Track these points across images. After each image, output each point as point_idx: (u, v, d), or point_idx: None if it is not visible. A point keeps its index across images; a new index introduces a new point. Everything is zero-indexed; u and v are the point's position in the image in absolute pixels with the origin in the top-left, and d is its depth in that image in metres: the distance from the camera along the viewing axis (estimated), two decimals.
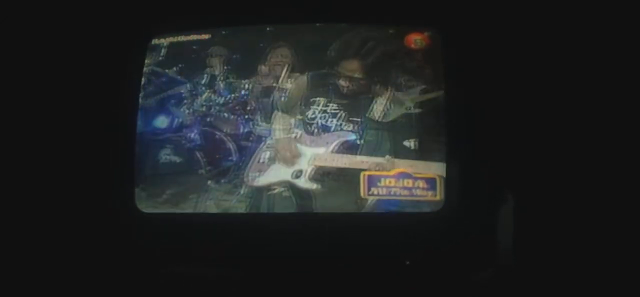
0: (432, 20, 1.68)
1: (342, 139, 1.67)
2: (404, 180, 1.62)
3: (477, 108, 1.63)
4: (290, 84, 1.72)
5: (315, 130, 1.69)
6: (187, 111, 1.75)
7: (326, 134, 1.68)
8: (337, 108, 1.69)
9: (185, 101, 1.76)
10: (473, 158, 1.61)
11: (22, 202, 1.68)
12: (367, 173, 1.63)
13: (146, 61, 1.74)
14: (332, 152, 1.67)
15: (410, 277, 1.58)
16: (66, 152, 1.71)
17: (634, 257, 1.54)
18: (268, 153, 1.70)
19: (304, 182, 1.66)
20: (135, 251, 1.63)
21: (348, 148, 1.67)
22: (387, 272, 1.58)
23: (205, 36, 1.76)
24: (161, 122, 1.75)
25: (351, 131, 1.67)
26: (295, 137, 1.69)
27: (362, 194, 1.63)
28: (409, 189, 1.62)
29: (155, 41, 1.75)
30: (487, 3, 1.68)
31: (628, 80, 1.63)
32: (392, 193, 1.62)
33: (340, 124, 1.68)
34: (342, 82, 1.70)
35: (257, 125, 1.71)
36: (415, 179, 1.63)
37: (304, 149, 1.69)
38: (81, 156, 1.70)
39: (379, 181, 1.63)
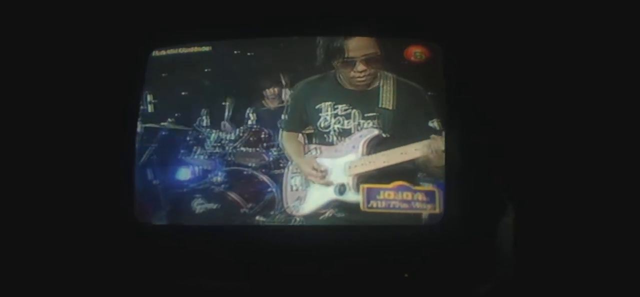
0: (433, 33, 1.68)
1: (368, 138, 1.64)
2: (403, 193, 1.63)
3: (476, 120, 1.63)
4: (287, 98, 1.70)
5: (335, 138, 1.67)
6: (202, 157, 1.72)
7: (348, 139, 1.65)
8: (347, 107, 1.66)
9: (195, 148, 1.73)
10: (472, 170, 1.60)
11: (24, 213, 1.69)
12: (366, 186, 1.64)
13: (139, 123, 1.70)
14: (363, 155, 1.64)
15: (410, 290, 1.59)
16: (67, 164, 1.72)
17: (636, 270, 1.53)
18: (298, 178, 1.68)
19: (351, 196, 1.64)
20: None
21: (378, 145, 1.63)
22: (386, 285, 1.58)
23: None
24: (183, 174, 1.72)
25: (373, 127, 1.64)
26: (315, 153, 1.67)
27: (361, 207, 1.63)
28: (408, 202, 1.63)
29: (155, 53, 1.74)
30: (487, 15, 1.67)
31: (632, 90, 1.62)
32: (391, 206, 1.63)
33: (358, 123, 1.65)
34: (342, 80, 1.67)
35: (279, 149, 1.70)
36: (415, 191, 1.63)
37: (332, 162, 1.66)
38: (86, 169, 1.71)
39: (379, 194, 1.63)
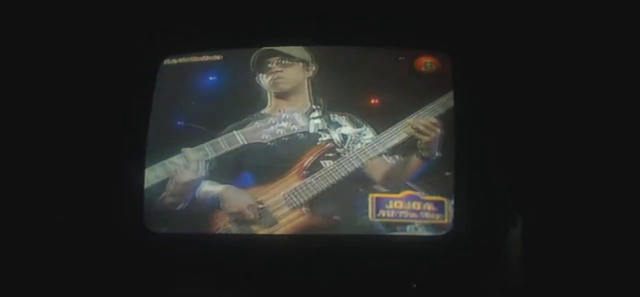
0: (443, 44, 1.69)
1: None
2: (412, 203, 1.63)
3: (486, 131, 1.63)
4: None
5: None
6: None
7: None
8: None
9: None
10: (482, 181, 1.61)
11: (33, 220, 1.70)
12: (375, 195, 1.64)
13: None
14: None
15: None
16: (78, 172, 1.73)
17: None
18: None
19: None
20: None
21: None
22: (394, 295, 1.58)
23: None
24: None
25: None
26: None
27: (370, 216, 1.63)
28: (417, 211, 1.63)
29: (167, 61, 1.73)
30: (497, 25, 1.68)
31: None
32: (400, 216, 1.63)
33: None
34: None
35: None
36: (424, 201, 1.63)
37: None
38: (95, 177, 1.71)
39: (387, 203, 1.63)
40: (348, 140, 1.63)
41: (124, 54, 1.74)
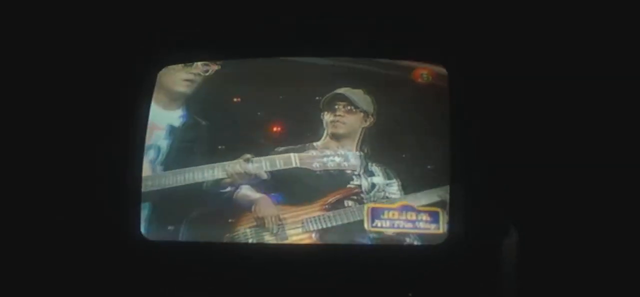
0: (439, 55, 1.70)
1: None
2: (408, 213, 1.64)
3: (482, 142, 1.64)
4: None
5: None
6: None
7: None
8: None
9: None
10: (477, 192, 1.61)
11: (29, 227, 1.71)
12: (371, 205, 1.65)
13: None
14: None
15: None
16: (75, 181, 1.74)
17: None
18: None
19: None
20: None
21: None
22: None
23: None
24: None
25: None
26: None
27: (366, 226, 1.64)
28: (413, 222, 1.64)
29: (164, 70, 1.76)
30: (494, 36, 1.69)
31: None
32: (395, 226, 1.64)
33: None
34: None
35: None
36: (419, 212, 1.64)
37: None
38: (92, 185, 1.73)
39: (383, 214, 1.64)
40: (375, 189, 1.66)
41: (122, 62, 1.76)
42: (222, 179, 1.66)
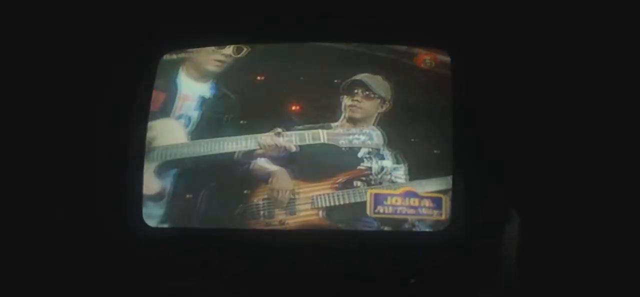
0: (443, 40, 1.70)
1: None
2: (410, 199, 1.64)
3: (484, 127, 1.64)
4: None
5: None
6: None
7: None
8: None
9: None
10: (479, 178, 1.62)
11: (29, 216, 1.71)
12: (373, 191, 1.65)
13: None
14: None
15: (414, 296, 1.60)
16: (76, 167, 1.74)
17: None
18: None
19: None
20: None
21: None
22: (391, 291, 1.59)
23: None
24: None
25: None
26: None
27: (368, 212, 1.64)
28: (415, 208, 1.64)
29: (167, 56, 1.76)
30: (497, 22, 1.69)
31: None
32: (398, 212, 1.64)
33: None
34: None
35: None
36: (422, 198, 1.64)
37: None
38: (94, 173, 1.73)
39: (386, 200, 1.64)
40: (383, 172, 1.67)
41: (123, 48, 1.75)
42: (253, 150, 1.69)
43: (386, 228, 1.64)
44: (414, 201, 1.64)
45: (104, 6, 1.77)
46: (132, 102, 1.72)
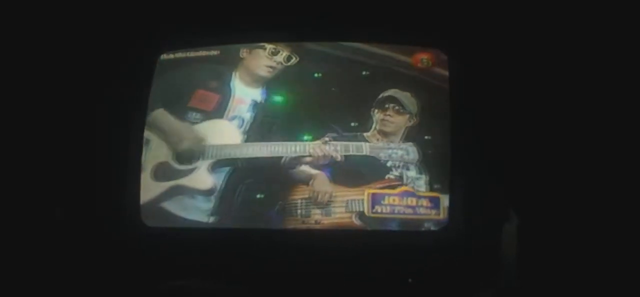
0: (439, 40, 1.71)
1: None
2: (408, 198, 1.64)
3: (481, 127, 1.64)
4: None
5: None
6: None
7: None
8: None
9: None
10: (477, 177, 1.62)
11: (29, 215, 1.72)
12: (371, 191, 1.65)
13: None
14: None
15: (413, 296, 1.59)
16: (75, 167, 1.75)
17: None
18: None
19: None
20: None
21: None
22: (389, 290, 1.59)
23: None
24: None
25: None
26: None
27: (366, 212, 1.65)
28: (413, 207, 1.64)
29: (164, 56, 1.78)
30: (494, 22, 1.69)
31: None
32: (396, 211, 1.64)
33: None
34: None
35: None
36: (419, 197, 1.64)
37: None
38: (93, 172, 1.74)
39: (383, 199, 1.65)
40: (405, 179, 1.69)
41: (121, 48, 1.76)
42: (302, 156, 1.73)
43: (383, 228, 1.65)
44: (412, 201, 1.64)
45: (104, 6, 1.78)
46: (132, 102, 1.73)
